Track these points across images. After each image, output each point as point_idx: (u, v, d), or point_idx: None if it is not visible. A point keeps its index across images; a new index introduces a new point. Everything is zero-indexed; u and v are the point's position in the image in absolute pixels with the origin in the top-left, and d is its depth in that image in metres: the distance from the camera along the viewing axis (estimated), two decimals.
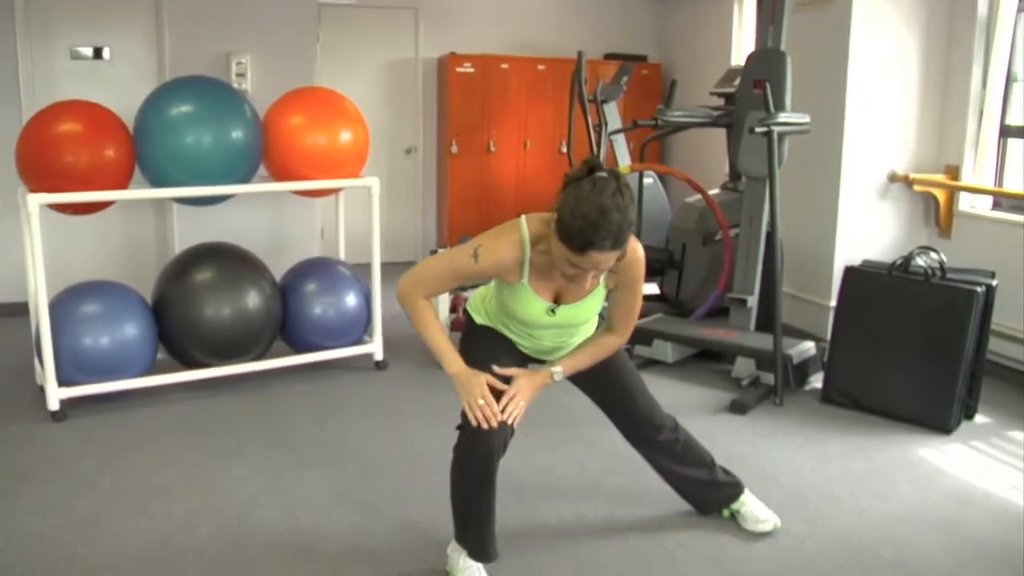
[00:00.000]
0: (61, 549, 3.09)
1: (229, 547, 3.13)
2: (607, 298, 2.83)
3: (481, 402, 2.65)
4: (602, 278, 2.71)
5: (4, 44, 5.79)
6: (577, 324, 2.82)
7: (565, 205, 2.41)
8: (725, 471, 3.32)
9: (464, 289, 5.33)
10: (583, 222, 2.36)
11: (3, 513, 3.36)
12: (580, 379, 2.99)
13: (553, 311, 2.73)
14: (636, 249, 2.67)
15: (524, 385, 2.75)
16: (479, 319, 2.96)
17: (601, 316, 2.91)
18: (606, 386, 3.04)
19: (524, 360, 2.96)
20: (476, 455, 2.70)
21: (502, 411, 2.67)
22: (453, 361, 2.75)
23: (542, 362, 2.98)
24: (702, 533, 3.26)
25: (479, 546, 2.85)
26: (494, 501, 2.82)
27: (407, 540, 3.20)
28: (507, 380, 2.75)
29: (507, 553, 3.00)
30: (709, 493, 3.30)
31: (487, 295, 2.92)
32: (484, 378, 2.70)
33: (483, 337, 2.93)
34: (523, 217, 2.65)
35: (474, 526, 2.84)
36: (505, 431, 2.70)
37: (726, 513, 3.33)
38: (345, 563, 3.04)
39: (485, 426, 2.65)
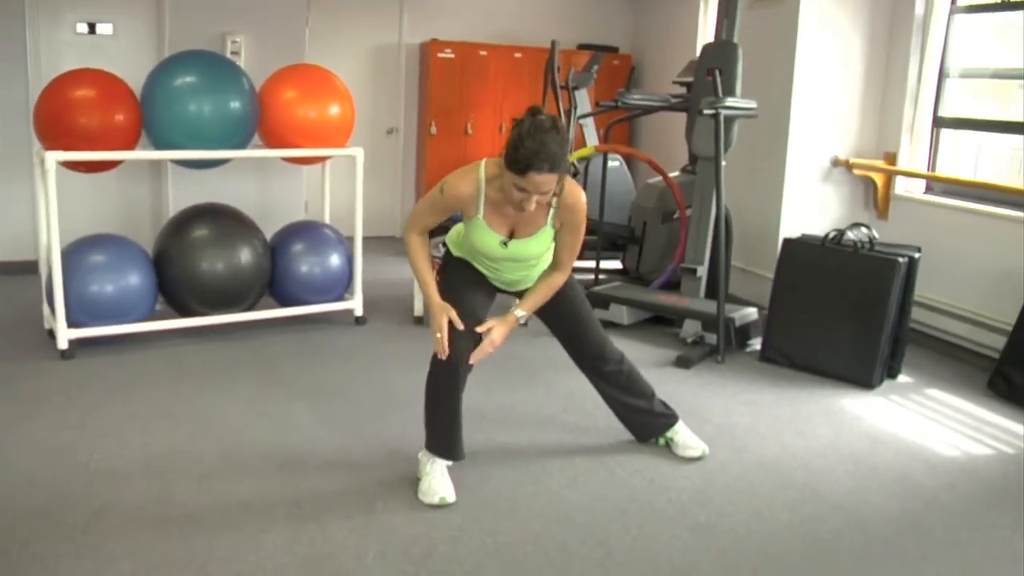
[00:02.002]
0: (77, 456, 3.51)
1: (225, 457, 3.57)
2: (555, 239, 3.28)
3: (439, 335, 3.15)
4: (549, 219, 3.17)
5: (13, 20, 6.11)
6: (528, 258, 3.27)
7: (511, 139, 2.92)
8: (664, 404, 3.78)
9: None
10: (525, 150, 2.86)
11: (23, 430, 3.77)
12: (540, 310, 3.44)
13: (505, 244, 3.21)
14: (580, 196, 3.15)
15: (498, 329, 3.23)
16: (455, 251, 3.45)
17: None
18: (559, 313, 3.49)
19: (493, 290, 3.46)
20: (447, 362, 3.18)
21: (479, 351, 3.18)
22: (431, 294, 3.24)
23: (509, 292, 3.49)
24: (638, 456, 3.72)
25: (447, 444, 3.32)
26: (460, 406, 3.30)
27: (383, 455, 3.64)
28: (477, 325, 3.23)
29: (466, 466, 3.44)
30: (647, 420, 3.75)
31: (462, 230, 3.38)
32: (447, 313, 3.17)
33: (458, 270, 3.41)
34: (483, 160, 3.17)
35: (443, 425, 3.31)
36: (471, 341, 3.18)
37: (661, 441, 3.79)
38: (328, 472, 3.48)
39: (441, 356, 3.16)
